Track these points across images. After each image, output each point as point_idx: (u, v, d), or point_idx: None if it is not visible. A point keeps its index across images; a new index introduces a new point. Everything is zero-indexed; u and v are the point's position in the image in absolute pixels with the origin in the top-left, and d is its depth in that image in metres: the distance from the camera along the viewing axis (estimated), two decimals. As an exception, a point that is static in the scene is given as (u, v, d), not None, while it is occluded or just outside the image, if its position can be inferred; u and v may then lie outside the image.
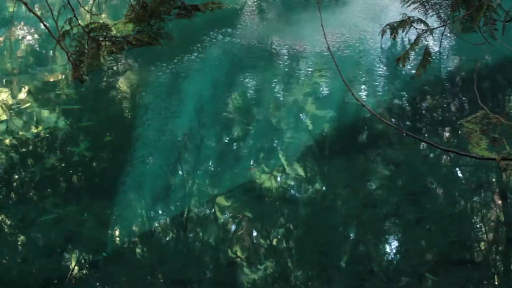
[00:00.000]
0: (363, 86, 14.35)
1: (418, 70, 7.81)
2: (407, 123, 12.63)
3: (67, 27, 6.49)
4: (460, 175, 10.60)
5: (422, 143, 11.17)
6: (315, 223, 9.23)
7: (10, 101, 13.84)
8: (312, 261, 8.45)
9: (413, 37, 7.43)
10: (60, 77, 15.46)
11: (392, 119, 12.42)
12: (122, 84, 15.03)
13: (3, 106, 13.47)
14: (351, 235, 9.09)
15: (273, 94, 14.24)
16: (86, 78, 6.60)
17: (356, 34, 17.96)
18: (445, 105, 13.59)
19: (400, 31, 7.61)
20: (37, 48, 18.15)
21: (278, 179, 10.48)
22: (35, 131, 12.41)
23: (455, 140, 11.63)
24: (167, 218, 9.61)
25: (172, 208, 9.87)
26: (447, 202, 9.71)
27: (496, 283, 8.11)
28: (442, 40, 16.13)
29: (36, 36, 18.79)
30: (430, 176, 10.43)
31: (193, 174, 10.83)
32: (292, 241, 8.93)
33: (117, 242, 9.03)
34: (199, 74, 15.25)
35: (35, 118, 13.00)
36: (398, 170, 10.64)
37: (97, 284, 8.25)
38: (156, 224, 9.44)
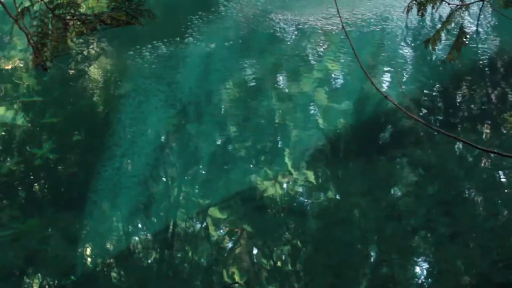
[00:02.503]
0: (385, 74, 14.34)
1: (451, 54, 7.82)
2: (439, 117, 12.62)
3: (27, 3, 6.49)
4: (503, 180, 10.59)
5: (457, 142, 11.16)
6: (328, 239, 9.23)
7: (-41, 93, 13.85)
8: (325, 285, 8.44)
9: (445, 14, 7.43)
10: (18, 63, 15.44)
11: (421, 113, 12.42)
12: (94, 72, 15.02)
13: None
14: (372, 253, 9.09)
15: (276, 83, 14.23)
16: (50, 64, 6.60)
17: (377, 10, 17.96)
18: (484, 96, 13.59)
19: (429, 7, 7.63)
20: (-9, 29, 18.13)
21: (283, 185, 10.48)
22: (-11, 129, 12.42)
23: (497, 139, 11.63)
24: (149, 234, 9.60)
25: (155, 221, 9.87)
26: (488, 213, 9.71)
27: (547, 310, 8.11)
28: (480, 17, 16.13)
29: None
30: (467, 181, 10.43)
31: (180, 180, 10.82)
32: (300, 261, 8.92)
33: (89, 263, 9.02)
34: (187, 59, 15.24)
35: (-12, 114, 13.01)
36: (428, 174, 10.64)
37: (65, 314, 8.25)
38: (136, 241, 9.43)
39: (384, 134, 12.14)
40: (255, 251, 9.19)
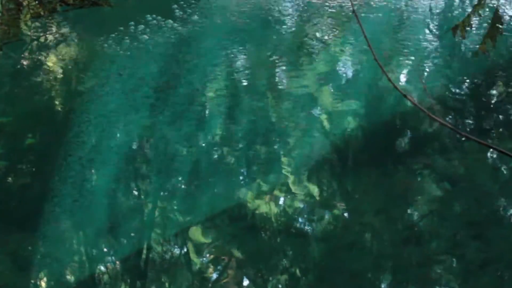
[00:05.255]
0: (404, 67, 14.37)
1: (484, 44, 7.83)
2: (468, 121, 12.65)
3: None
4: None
5: (490, 151, 11.19)
6: (334, 266, 9.23)
7: None
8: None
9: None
10: (-39, 51, 15.44)
11: (446, 116, 12.44)
12: (53, 62, 15.00)
13: None
14: (385, 283, 9.10)
15: (274, 77, 14.23)
16: (-1, 53, 6.59)
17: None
18: (523, 95, 13.65)
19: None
20: None
21: (280, 202, 10.48)
22: None
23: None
24: (117, 260, 9.59)
25: (125, 244, 9.86)
26: (527, 236, 9.75)
27: None
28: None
29: None
30: (502, 198, 10.45)
31: (155, 194, 10.81)
32: (300, 294, 8.94)
33: (44, 294, 9.02)
34: (166, 48, 15.23)
35: None
36: (455, 189, 10.66)
37: None
38: (101, 269, 9.42)
39: (402, 140, 12.16)
40: (245, 281, 9.19)
